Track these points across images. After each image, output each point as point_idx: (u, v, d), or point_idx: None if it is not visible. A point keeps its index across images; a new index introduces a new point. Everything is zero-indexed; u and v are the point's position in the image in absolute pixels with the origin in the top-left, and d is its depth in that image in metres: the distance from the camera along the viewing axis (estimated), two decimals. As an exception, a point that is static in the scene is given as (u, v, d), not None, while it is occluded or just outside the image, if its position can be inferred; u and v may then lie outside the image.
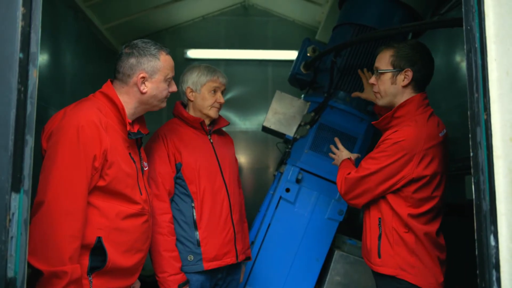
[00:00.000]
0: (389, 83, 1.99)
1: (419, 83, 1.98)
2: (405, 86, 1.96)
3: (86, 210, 1.56)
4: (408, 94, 1.97)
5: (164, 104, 1.87)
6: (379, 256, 1.91)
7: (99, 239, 1.59)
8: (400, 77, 1.96)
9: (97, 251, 1.60)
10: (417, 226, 1.87)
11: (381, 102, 2.05)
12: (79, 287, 1.51)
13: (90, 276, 1.58)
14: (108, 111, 1.70)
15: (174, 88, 1.88)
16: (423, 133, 1.87)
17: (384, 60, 2.01)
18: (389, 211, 1.92)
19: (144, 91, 1.76)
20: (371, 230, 1.97)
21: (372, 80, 2.06)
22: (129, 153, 1.74)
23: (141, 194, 1.76)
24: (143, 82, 1.75)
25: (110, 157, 1.61)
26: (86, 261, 1.58)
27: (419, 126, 1.89)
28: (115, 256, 1.62)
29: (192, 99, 2.27)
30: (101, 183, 1.60)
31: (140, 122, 1.89)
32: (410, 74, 1.94)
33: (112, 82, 1.80)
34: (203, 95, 2.26)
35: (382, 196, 1.94)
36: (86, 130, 1.56)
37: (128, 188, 1.69)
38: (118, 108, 1.72)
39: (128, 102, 1.76)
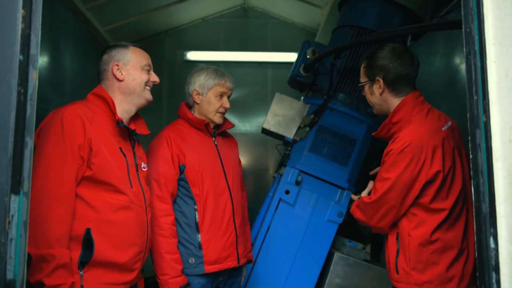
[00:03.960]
0: (369, 94, 1.99)
1: (395, 86, 1.92)
2: (381, 94, 1.94)
3: (74, 198, 1.61)
4: (392, 99, 1.93)
5: (149, 96, 1.89)
6: (397, 272, 1.85)
7: (88, 231, 1.62)
8: (376, 86, 1.94)
9: (89, 245, 1.62)
10: (443, 235, 1.80)
11: (376, 112, 2.05)
12: (69, 272, 1.53)
13: (81, 270, 1.59)
14: (97, 109, 1.76)
15: (155, 78, 1.91)
16: (424, 130, 1.82)
17: (361, 73, 2.02)
18: (408, 224, 1.84)
19: (120, 78, 1.83)
20: (389, 245, 1.91)
21: (364, 92, 2.05)
22: (120, 148, 1.77)
23: (132, 187, 1.76)
24: (118, 70, 1.83)
25: (94, 146, 1.66)
26: (77, 254, 1.60)
27: (417, 125, 1.84)
28: (107, 250, 1.64)
29: (198, 101, 2.26)
30: (88, 172, 1.65)
31: (138, 124, 1.91)
32: (380, 81, 1.92)
33: None
34: (209, 99, 2.24)
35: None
36: (68, 120, 1.63)
37: (115, 178, 1.71)
38: (107, 103, 1.78)
39: (114, 97, 1.82)
